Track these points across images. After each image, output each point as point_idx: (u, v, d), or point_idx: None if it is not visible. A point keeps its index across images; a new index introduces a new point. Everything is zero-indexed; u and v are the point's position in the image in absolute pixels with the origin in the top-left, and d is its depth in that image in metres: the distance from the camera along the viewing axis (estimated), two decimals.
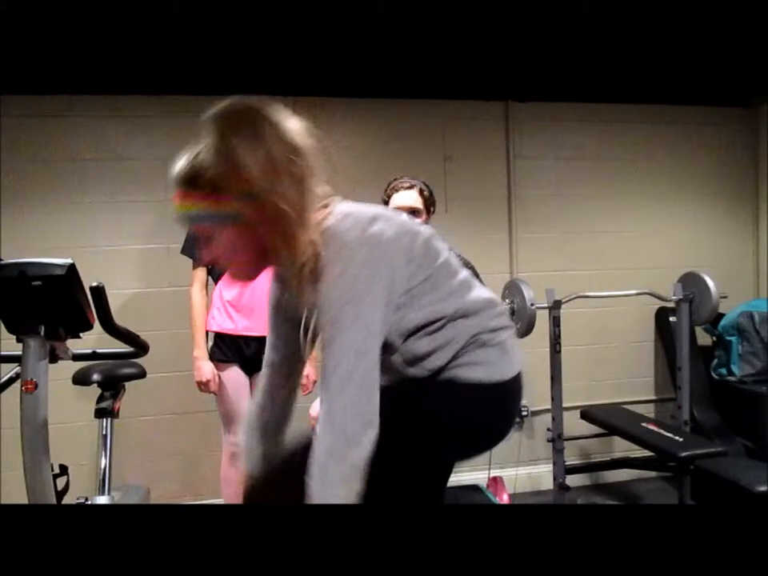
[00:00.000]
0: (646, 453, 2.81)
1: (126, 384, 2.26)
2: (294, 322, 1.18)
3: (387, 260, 1.05)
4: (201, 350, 2.47)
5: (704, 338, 3.52)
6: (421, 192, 2.10)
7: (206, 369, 2.44)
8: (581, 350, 3.39)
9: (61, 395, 1.90)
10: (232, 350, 2.49)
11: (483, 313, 1.17)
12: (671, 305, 3.09)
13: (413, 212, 2.06)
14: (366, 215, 1.07)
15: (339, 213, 1.07)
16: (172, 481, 3.00)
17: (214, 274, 2.54)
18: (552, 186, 3.43)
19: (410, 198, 2.08)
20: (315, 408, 2.10)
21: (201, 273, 2.54)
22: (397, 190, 2.10)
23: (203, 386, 2.45)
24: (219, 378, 2.46)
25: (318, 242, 1.03)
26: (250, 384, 2.51)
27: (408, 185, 2.10)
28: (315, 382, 2.20)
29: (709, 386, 3.39)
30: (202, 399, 2.62)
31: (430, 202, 2.14)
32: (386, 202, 2.12)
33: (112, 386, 2.17)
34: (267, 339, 1.31)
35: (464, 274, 1.21)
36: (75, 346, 1.78)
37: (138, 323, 2.22)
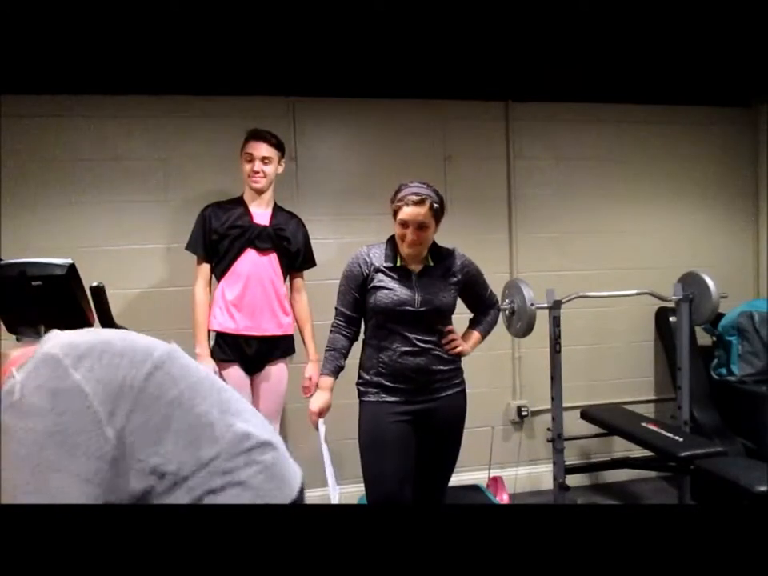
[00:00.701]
0: (646, 453, 2.81)
1: None
2: None
3: None
4: (202, 348, 2.46)
5: (704, 338, 3.52)
6: (431, 206, 1.98)
7: (208, 366, 2.44)
8: (581, 349, 3.40)
9: None
10: (233, 349, 2.49)
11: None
12: (671, 305, 3.09)
13: (420, 227, 1.98)
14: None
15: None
16: None
17: (217, 272, 2.54)
18: (552, 186, 3.43)
19: (418, 214, 1.96)
20: (315, 403, 2.10)
21: (205, 269, 2.53)
22: (407, 204, 1.97)
23: None
24: (220, 376, 2.47)
25: None
26: (251, 383, 2.52)
27: (418, 199, 1.97)
28: (317, 384, 2.20)
29: (709, 386, 3.40)
30: None
31: (439, 214, 2.03)
32: (395, 214, 2.02)
33: None
34: None
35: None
36: None
37: (139, 323, 2.21)
